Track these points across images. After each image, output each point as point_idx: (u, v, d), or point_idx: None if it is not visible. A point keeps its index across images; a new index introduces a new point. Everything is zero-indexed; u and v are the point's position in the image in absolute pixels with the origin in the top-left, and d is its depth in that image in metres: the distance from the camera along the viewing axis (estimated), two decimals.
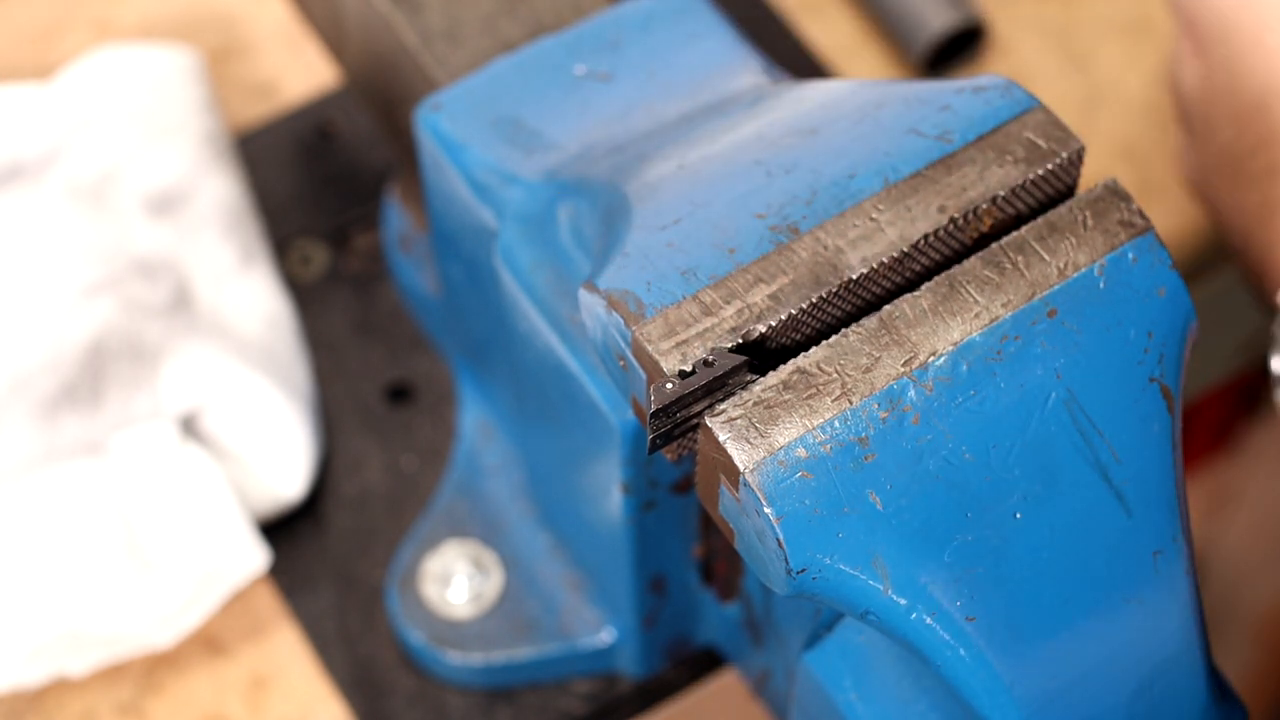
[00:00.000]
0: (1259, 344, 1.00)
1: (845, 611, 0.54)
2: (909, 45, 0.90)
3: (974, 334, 0.55)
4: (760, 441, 0.53)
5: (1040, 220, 0.57)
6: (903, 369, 0.54)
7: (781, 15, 0.92)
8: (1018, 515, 0.54)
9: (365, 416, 0.82)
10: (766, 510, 0.52)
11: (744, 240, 0.56)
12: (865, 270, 0.55)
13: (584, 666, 0.75)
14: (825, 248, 0.56)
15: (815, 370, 0.54)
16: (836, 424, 0.53)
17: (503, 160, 0.66)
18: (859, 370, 0.54)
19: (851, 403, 0.53)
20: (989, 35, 0.93)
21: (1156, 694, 0.57)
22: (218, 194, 0.83)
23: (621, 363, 0.56)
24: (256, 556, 0.75)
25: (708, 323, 0.54)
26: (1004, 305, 0.55)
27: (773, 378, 0.54)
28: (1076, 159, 0.58)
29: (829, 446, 0.53)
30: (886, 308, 0.55)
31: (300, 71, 0.92)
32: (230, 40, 0.93)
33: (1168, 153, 0.90)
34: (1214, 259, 0.89)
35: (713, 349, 0.54)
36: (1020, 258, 0.56)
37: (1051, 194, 0.58)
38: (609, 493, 0.66)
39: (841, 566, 0.53)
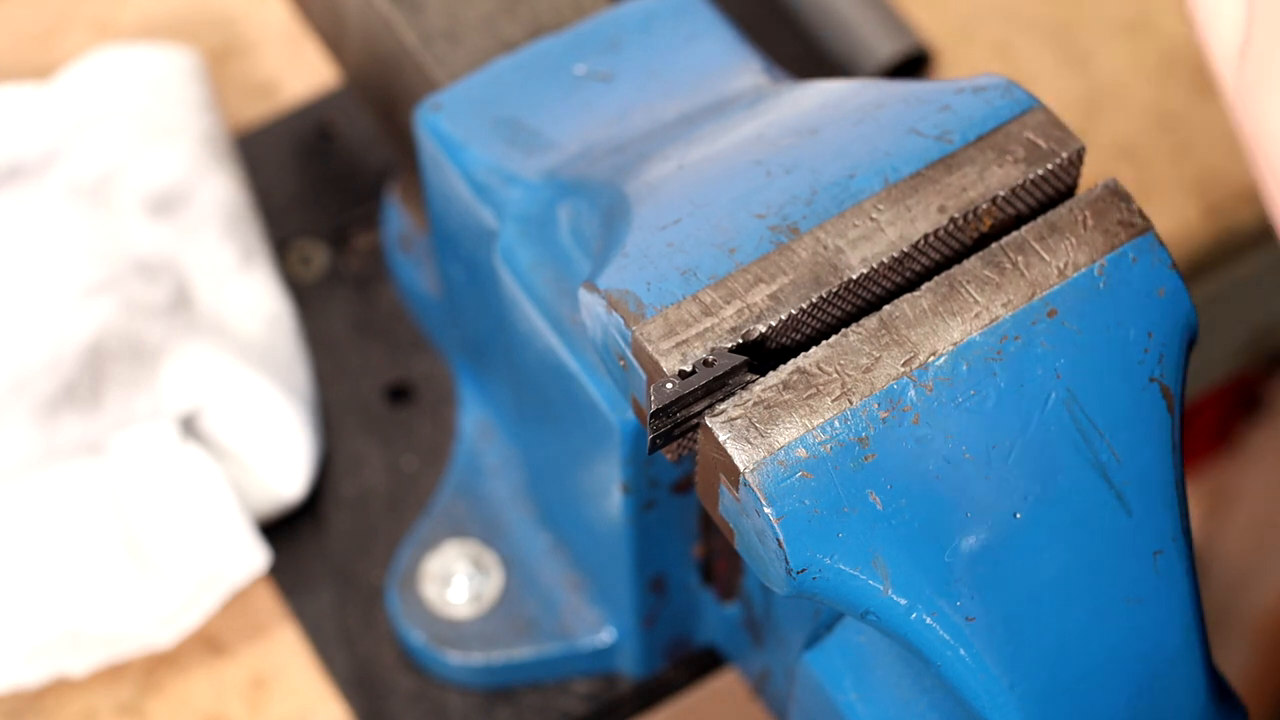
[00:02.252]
0: (1259, 344, 1.00)
1: (845, 611, 0.54)
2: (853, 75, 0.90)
3: (974, 334, 0.55)
4: (760, 441, 0.53)
5: (1040, 220, 0.57)
6: (903, 369, 0.54)
7: (781, 15, 0.92)
8: (1018, 515, 0.54)
9: (365, 416, 0.82)
10: (766, 510, 0.52)
11: (744, 240, 0.56)
12: (865, 270, 0.55)
13: (584, 666, 0.75)
14: (825, 248, 0.56)
15: (815, 370, 0.54)
16: (836, 424, 0.53)
17: (503, 160, 0.66)
18: (859, 370, 0.54)
19: (851, 403, 0.53)
20: (991, 36, 0.92)
21: (1156, 694, 0.57)
22: (218, 194, 0.83)
23: (621, 363, 0.56)
24: (256, 556, 0.75)
25: (708, 323, 0.54)
26: (1004, 305, 0.55)
27: (773, 378, 0.54)
28: (1076, 159, 0.58)
29: (829, 446, 0.53)
30: (886, 308, 0.55)
31: (300, 71, 0.92)
32: (230, 40, 0.93)
33: (1168, 153, 0.90)
34: (1214, 259, 0.89)
35: (713, 349, 0.54)
36: (1020, 258, 0.56)
37: (1051, 194, 0.58)
38: (609, 493, 0.66)
39: (841, 566, 0.53)
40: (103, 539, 0.74)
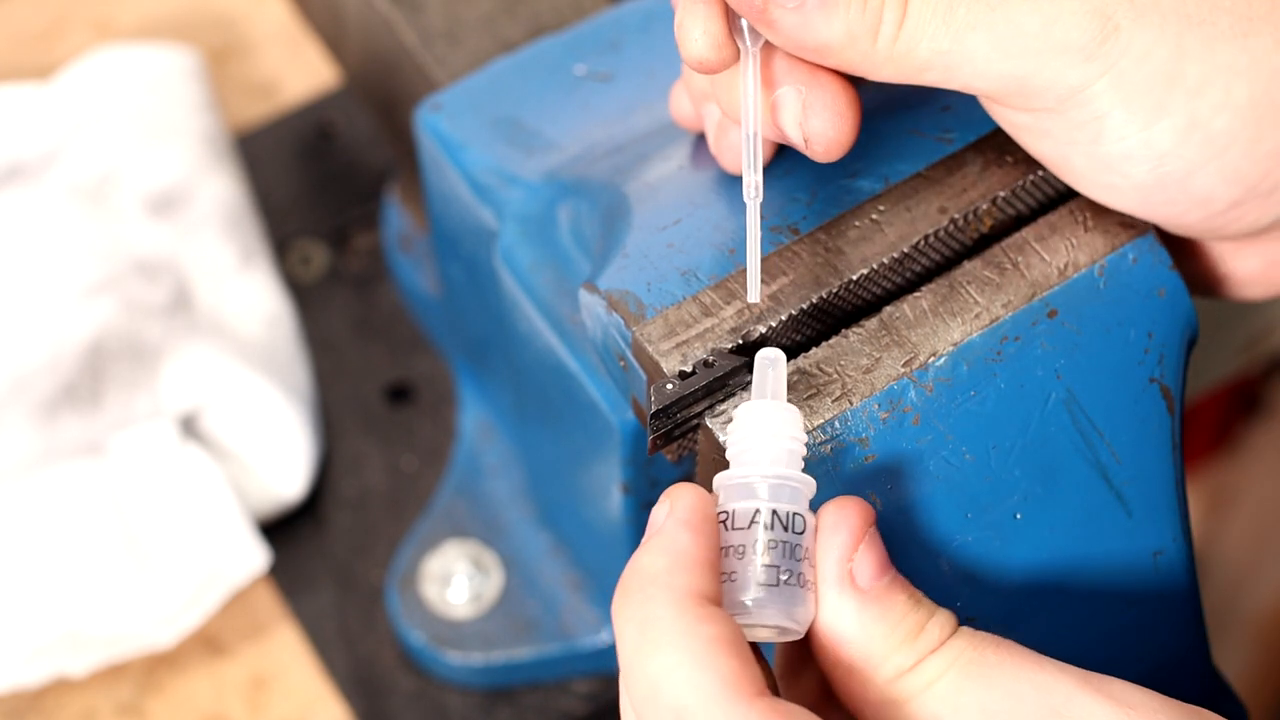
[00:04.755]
0: (1259, 344, 1.00)
1: None
2: None
3: (974, 334, 0.55)
4: None
5: (1041, 221, 0.57)
6: (903, 369, 0.54)
7: None
8: (1018, 516, 0.54)
9: (365, 416, 0.82)
10: None
11: (745, 240, 0.56)
12: (865, 271, 0.55)
13: (584, 666, 0.75)
14: (825, 248, 0.56)
15: (816, 371, 0.54)
16: (837, 424, 0.53)
17: (503, 160, 0.66)
18: (859, 371, 0.54)
19: (852, 403, 0.53)
20: None
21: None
22: (218, 194, 0.83)
23: (621, 363, 0.56)
24: (256, 556, 0.75)
25: (708, 323, 0.54)
26: (1004, 306, 0.55)
27: None
28: None
29: (829, 447, 0.53)
30: (887, 308, 0.55)
31: (300, 71, 0.92)
32: (230, 40, 0.93)
33: None
34: None
35: (713, 350, 0.54)
36: (1020, 258, 0.56)
37: (1052, 194, 0.58)
38: (609, 493, 0.66)
39: None
40: (103, 539, 0.74)
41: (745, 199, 0.54)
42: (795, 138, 0.55)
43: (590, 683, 0.76)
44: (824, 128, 0.54)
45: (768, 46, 0.54)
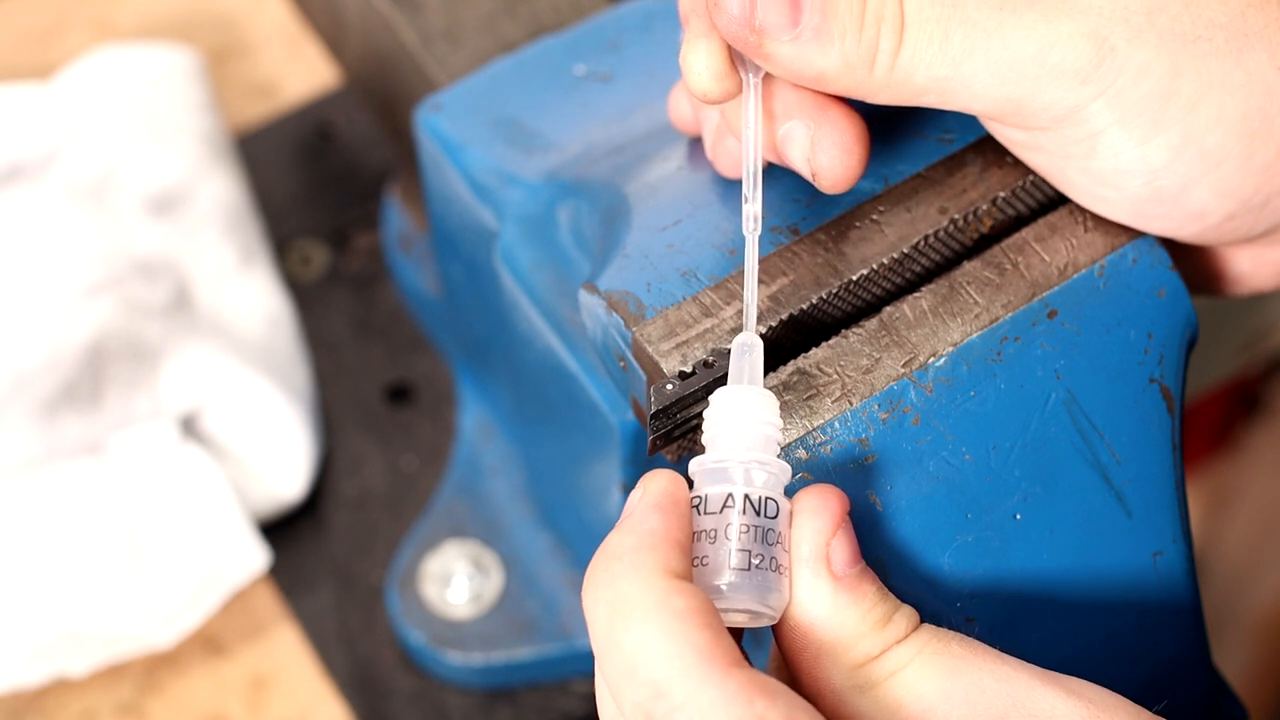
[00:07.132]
0: (1259, 344, 1.00)
1: None
2: None
3: (974, 335, 0.55)
4: None
5: (1041, 221, 0.57)
6: (903, 370, 0.54)
7: None
8: (1018, 516, 0.54)
9: (365, 416, 0.82)
10: None
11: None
12: (865, 271, 0.55)
13: (584, 666, 0.75)
14: (825, 249, 0.56)
15: (815, 371, 0.54)
16: (837, 425, 0.53)
17: (503, 160, 0.66)
18: (859, 371, 0.54)
19: (852, 404, 0.53)
20: None
21: (1157, 695, 0.57)
22: (218, 194, 0.83)
23: (621, 363, 0.56)
24: (256, 556, 0.75)
25: (708, 324, 0.54)
26: (1004, 306, 0.55)
27: (772, 379, 0.53)
28: None
29: (829, 448, 0.53)
30: (887, 309, 0.55)
31: (300, 71, 0.92)
32: (230, 40, 0.93)
33: None
34: None
35: (713, 350, 0.54)
36: (1020, 259, 0.56)
37: (1052, 195, 0.58)
38: (609, 493, 0.66)
39: None
40: (103, 539, 0.74)
41: (745, 231, 0.54)
42: (803, 171, 0.55)
43: (590, 683, 0.76)
44: (832, 163, 0.54)
45: (772, 76, 0.54)
